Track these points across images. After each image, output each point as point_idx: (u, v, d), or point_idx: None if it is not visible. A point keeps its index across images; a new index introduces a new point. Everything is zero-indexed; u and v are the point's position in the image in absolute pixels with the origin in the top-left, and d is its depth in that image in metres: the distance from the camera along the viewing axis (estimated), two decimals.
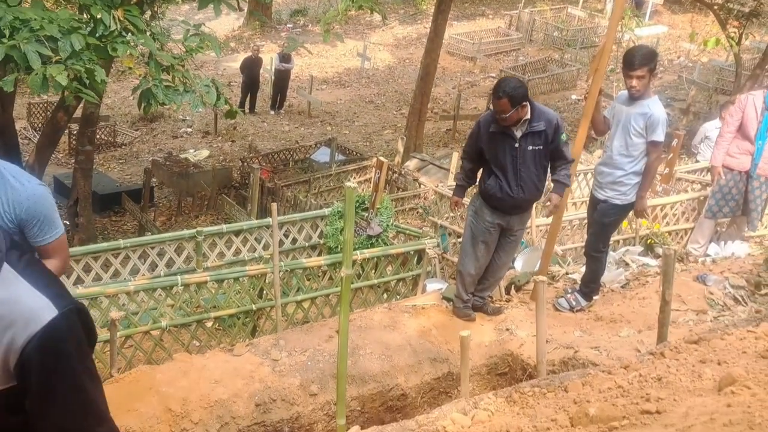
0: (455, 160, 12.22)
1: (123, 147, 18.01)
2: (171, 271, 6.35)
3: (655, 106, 5.21)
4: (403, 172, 12.94)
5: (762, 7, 15.74)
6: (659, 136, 5.17)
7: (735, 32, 15.20)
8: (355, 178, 13.44)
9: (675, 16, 29.98)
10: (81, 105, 9.82)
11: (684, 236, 7.73)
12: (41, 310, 1.66)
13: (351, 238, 3.04)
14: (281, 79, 20.12)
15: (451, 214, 7.42)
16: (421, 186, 12.68)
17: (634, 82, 5.12)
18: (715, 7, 15.65)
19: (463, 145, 5.49)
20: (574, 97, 21.94)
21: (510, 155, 4.99)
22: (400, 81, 23.88)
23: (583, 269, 5.94)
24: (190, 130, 18.97)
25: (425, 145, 17.06)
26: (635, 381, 2.90)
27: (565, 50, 25.63)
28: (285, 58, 19.82)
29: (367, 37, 27.02)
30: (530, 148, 5.01)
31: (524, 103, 4.87)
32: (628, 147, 5.26)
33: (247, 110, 19.40)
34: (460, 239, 7.16)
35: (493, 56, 25.61)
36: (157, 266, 6.38)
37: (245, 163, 15.39)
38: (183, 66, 7.04)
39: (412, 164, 14.62)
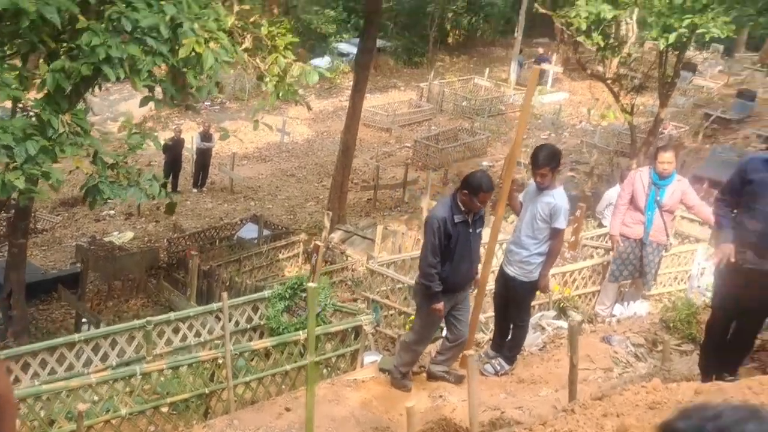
0: (380, 232, 12.88)
1: (44, 233, 17.90)
2: (122, 360, 6.66)
3: (559, 197, 6.00)
4: (330, 246, 13.50)
5: (650, 80, 17.28)
6: (561, 223, 5.96)
7: (627, 103, 16.62)
8: (284, 253, 13.91)
9: (575, 82, 32.03)
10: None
11: (592, 298, 8.54)
12: None
13: (313, 331, 3.56)
14: (203, 158, 20.56)
15: (383, 288, 8.01)
16: (348, 258, 13.27)
17: (539, 178, 5.93)
18: (608, 81, 17.08)
19: (425, 254, 5.77)
20: (484, 164, 23.14)
21: (466, 240, 5.71)
22: (320, 153, 24.65)
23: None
24: (112, 212, 19.04)
25: (348, 216, 17.73)
26: None
27: (474, 119, 27.05)
28: (206, 137, 20.31)
29: (285, 111, 27.82)
30: (478, 230, 5.84)
31: None
32: (534, 230, 6.02)
33: (170, 190, 19.67)
34: (391, 311, 7.75)
35: (407, 126, 26.78)
36: (108, 356, 6.68)
37: (172, 244, 15.63)
38: (126, 162, 7.48)
39: (336, 236, 15.20)
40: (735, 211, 5.09)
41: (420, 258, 5.97)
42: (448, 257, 5.68)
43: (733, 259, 4.82)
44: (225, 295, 5.70)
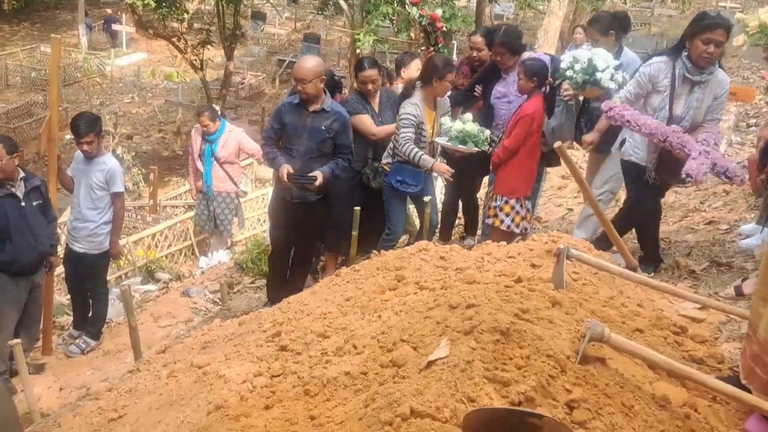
0: None
1: None
2: None
3: (110, 162, 6.05)
4: None
5: (213, 34, 17.80)
6: (119, 186, 6.03)
7: (196, 59, 16.96)
8: None
9: (151, 41, 31.35)
10: None
11: (179, 256, 8.79)
12: None
13: None
14: None
15: None
16: None
17: (86, 147, 5.87)
18: (174, 39, 17.20)
19: None
20: (67, 137, 21.79)
21: (20, 215, 5.44)
22: None
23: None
24: None
25: None
26: (112, 397, 3.66)
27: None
28: None
29: None
30: (34, 203, 5.60)
31: None
32: (94, 201, 6.00)
33: None
34: None
35: None
36: None
37: None
38: None
39: None
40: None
41: None
42: (6, 237, 5.37)
43: (288, 174, 5.26)
44: None
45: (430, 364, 2.44)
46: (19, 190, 5.38)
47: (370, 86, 5.77)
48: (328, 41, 29.72)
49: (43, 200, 5.57)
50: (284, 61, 27.03)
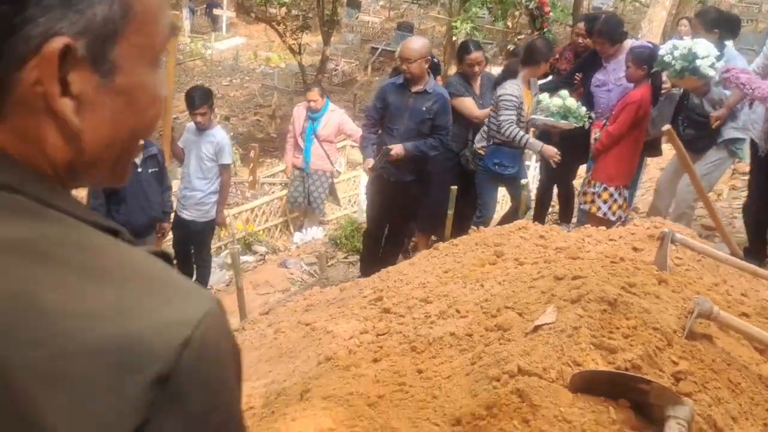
0: None
1: None
2: None
3: (219, 134, 6.32)
4: None
5: (311, 20, 18.13)
6: (227, 159, 6.30)
7: (295, 43, 17.32)
8: None
9: (250, 26, 32.12)
10: None
11: (275, 231, 9.08)
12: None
13: None
14: None
15: None
16: None
17: (199, 119, 6.14)
18: (274, 23, 17.61)
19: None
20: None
21: (135, 179, 5.67)
22: None
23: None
24: None
25: None
26: None
27: None
28: None
29: None
30: (150, 170, 5.84)
31: None
32: (204, 171, 6.28)
33: None
34: None
35: None
36: None
37: None
38: None
39: None
40: (379, 131, 5.77)
41: None
42: (121, 200, 5.65)
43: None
44: None
45: (536, 328, 2.51)
46: (137, 157, 5.67)
47: (476, 68, 5.84)
48: (421, 30, 29.66)
49: (159, 168, 5.85)
50: (377, 49, 27.19)
